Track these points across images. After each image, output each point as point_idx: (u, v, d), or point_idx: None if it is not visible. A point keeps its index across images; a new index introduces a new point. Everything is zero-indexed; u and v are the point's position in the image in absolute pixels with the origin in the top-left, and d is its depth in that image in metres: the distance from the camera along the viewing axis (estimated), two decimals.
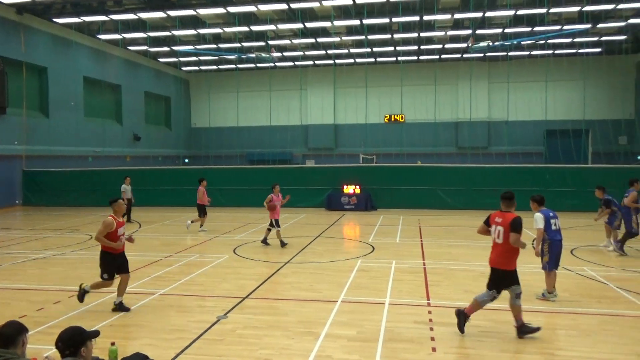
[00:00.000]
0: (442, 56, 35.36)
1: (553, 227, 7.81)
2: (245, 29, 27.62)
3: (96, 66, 30.20)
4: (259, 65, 36.66)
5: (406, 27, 28.03)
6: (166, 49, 32.48)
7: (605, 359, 5.61)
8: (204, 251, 12.48)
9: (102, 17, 25.27)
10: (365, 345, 6.03)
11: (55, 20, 25.55)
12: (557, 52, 33.63)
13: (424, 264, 10.65)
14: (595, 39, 29.96)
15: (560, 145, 33.15)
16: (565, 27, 26.37)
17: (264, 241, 13.01)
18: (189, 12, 24.46)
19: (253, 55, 30.48)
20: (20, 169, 24.39)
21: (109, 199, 7.86)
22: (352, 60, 36.87)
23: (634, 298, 7.95)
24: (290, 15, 25.64)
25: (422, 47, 32.33)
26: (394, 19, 25.96)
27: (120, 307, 7.35)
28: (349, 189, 21.81)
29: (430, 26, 28.18)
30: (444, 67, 36.91)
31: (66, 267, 10.67)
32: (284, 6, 23.72)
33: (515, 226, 6.07)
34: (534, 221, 7.69)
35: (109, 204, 7.74)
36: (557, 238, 7.88)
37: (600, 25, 26.79)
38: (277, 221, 12.75)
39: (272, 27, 27.37)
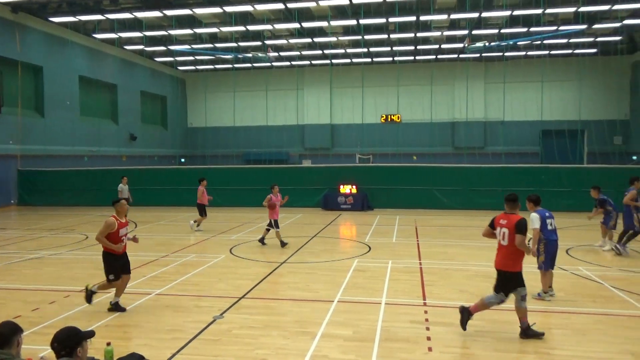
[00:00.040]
0: (439, 56, 35.42)
1: (549, 227, 7.84)
2: (241, 28, 27.59)
3: (92, 65, 30.10)
4: (255, 65, 36.62)
5: (403, 27, 28.06)
6: (162, 48, 32.41)
7: (600, 358, 5.64)
8: (200, 251, 12.46)
9: (98, 16, 25.20)
10: (361, 344, 6.03)
11: (50, 19, 25.44)
12: (553, 52, 33.78)
13: (420, 263, 10.67)
14: (591, 39, 30.08)
15: (556, 145, 33.29)
16: (561, 27, 26.48)
17: (261, 240, 13.00)
18: (186, 11, 24.42)
19: (250, 55, 30.45)
20: (15, 168, 24.28)
21: (112, 200, 7.84)
22: (348, 60, 36.89)
23: (628, 297, 7.99)
24: (287, 15, 25.63)
25: (419, 47, 32.38)
26: (391, 19, 25.99)
27: (116, 307, 7.32)
28: (345, 188, 21.82)
29: (426, 26, 28.22)
30: (440, 68, 36.97)
31: (61, 267, 10.64)
32: (280, 6, 23.71)
33: (520, 228, 6.07)
34: (530, 221, 7.70)
35: (112, 204, 7.71)
36: (553, 238, 7.92)
37: (595, 26, 26.91)
38: (276, 222, 12.72)
39: (268, 26, 27.36)
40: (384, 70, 37.76)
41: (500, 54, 34.02)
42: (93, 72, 30.19)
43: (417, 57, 35.59)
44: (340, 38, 30.22)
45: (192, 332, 6.46)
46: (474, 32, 27.98)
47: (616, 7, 23.40)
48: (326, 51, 33.44)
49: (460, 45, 30.59)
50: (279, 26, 27.27)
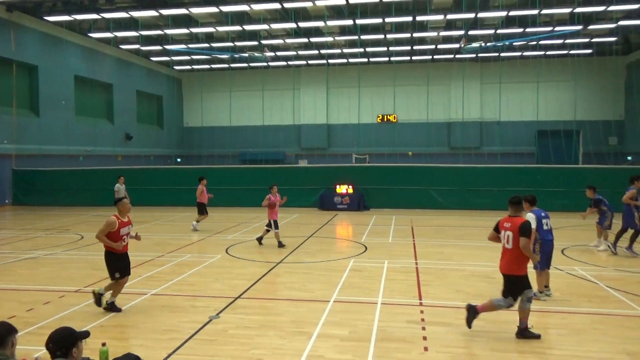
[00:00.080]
0: (435, 57, 35.47)
1: (545, 227, 7.87)
2: (238, 28, 27.55)
3: (87, 65, 29.98)
4: (251, 64, 36.57)
5: (399, 27, 28.09)
6: (158, 47, 32.31)
7: (596, 358, 5.66)
8: (196, 251, 12.43)
9: (94, 16, 25.07)
10: (357, 344, 6.03)
11: (45, 18, 25.32)
12: (548, 53, 33.89)
13: (416, 263, 10.68)
14: (586, 40, 30.19)
15: (551, 145, 33.41)
16: (557, 28, 26.56)
17: (259, 239, 12.99)
18: (182, 10, 24.35)
19: (246, 55, 30.41)
20: (10, 168, 24.16)
21: (115, 199, 7.81)
22: (345, 60, 36.89)
23: (624, 297, 8.02)
24: (283, 15, 25.60)
25: (415, 47, 32.41)
26: (387, 19, 25.99)
27: (111, 308, 7.29)
28: (341, 188, 21.82)
29: (423, 27, 28.26)
30: (436, 68, 37.04)
31: (56, 267, 10.59)
32: (277, 6, 23.68)
33: (525, 230, 6.04)
34: None
35: (114, 203, 7.69)
36: (548, 238, 7.94)
37: (591, 27, 27.01)
38: (275, 222, 12.67)
39: (265, 26, 27.32)
40: (380, 70, 37.79)
41: (496, 54, 34.12)
42: (88, 72, 30.06)
43: (414, 58, 35.63)
44: (337, 38, 30.22)
45: (188, 332, 6.44)
46: (470, 32, 28.05)
47: (611, 8, 23.50)
48: (323, 51, 33.42)
49: (457, 45, 30.65)
50: (276, 26, 27.24)
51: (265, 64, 34.97)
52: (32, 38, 25.49)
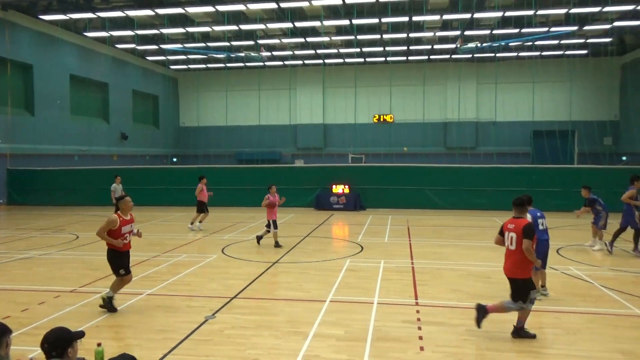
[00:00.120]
0: (431, 57, 35.55)
1: (540, 227, 7.89)
2: (234, 27, 27.51)
3: (83, 64, 29.87)
4: (248, 64, 36.55)
5: (395, 27, 28.13)
6: (154, 47, 32.22)
7: (591, 357, 5.68)
8: (192, 251, 12.40)
9: (89, 15, 24.99)
10: (353, 344, 6.03)
11: (41, 17, 25.20)
12: (544, 53, 34.03)
13: (412, 263, 10.69)
14: (582, 41, 30.33)
15: (547, 145, 33.54)
16: (552, 29, 26.67)
17: (259, 238, 12.98)
18: (178, 10, 24.30)
19: (242, 54, 30.35)
20: (4, 167, 24.03)
21: (116, 197, 7.79)
22: (341, 60, 36.91)
23: (618, 297, 8.05)
24: (280, 15, 25.59)
25: (411, 47, 32.47)
26: (383, 19, 26.04)
27: (109, 303, 7.24)
28: (337, 188, 21.82)
29: (419, 27, 28.31)
30: (432, 68, 37.11)
31: (51, 267, 10.54)
32: (273, 5, 23.66)
33: (528, 232, 6.01)
34: None
35: (116, 201, 7.68)
36: (544, 238, 7.97)
37: (586, 28, 27.14)
38: (274, 222, 12.65)
39: (261, 26, 27.30)
40: (376, 70, 37.83)
41: (492, 54, 34.22)
42: (84, 71, 29.95)
43: (410, 58, 35.69)
44: (333, 38, 30.23)
45: (183, 332, 6.43)
46: (466, 32, 28.13)
47: (607, 9, 23.61)
48: (319, 51, 33.44)
49: (453, 45, 30.72)
50: (272, 25, 27.23)
51: (261, 63, 34.92)
52: (27, 37, 25.37)
